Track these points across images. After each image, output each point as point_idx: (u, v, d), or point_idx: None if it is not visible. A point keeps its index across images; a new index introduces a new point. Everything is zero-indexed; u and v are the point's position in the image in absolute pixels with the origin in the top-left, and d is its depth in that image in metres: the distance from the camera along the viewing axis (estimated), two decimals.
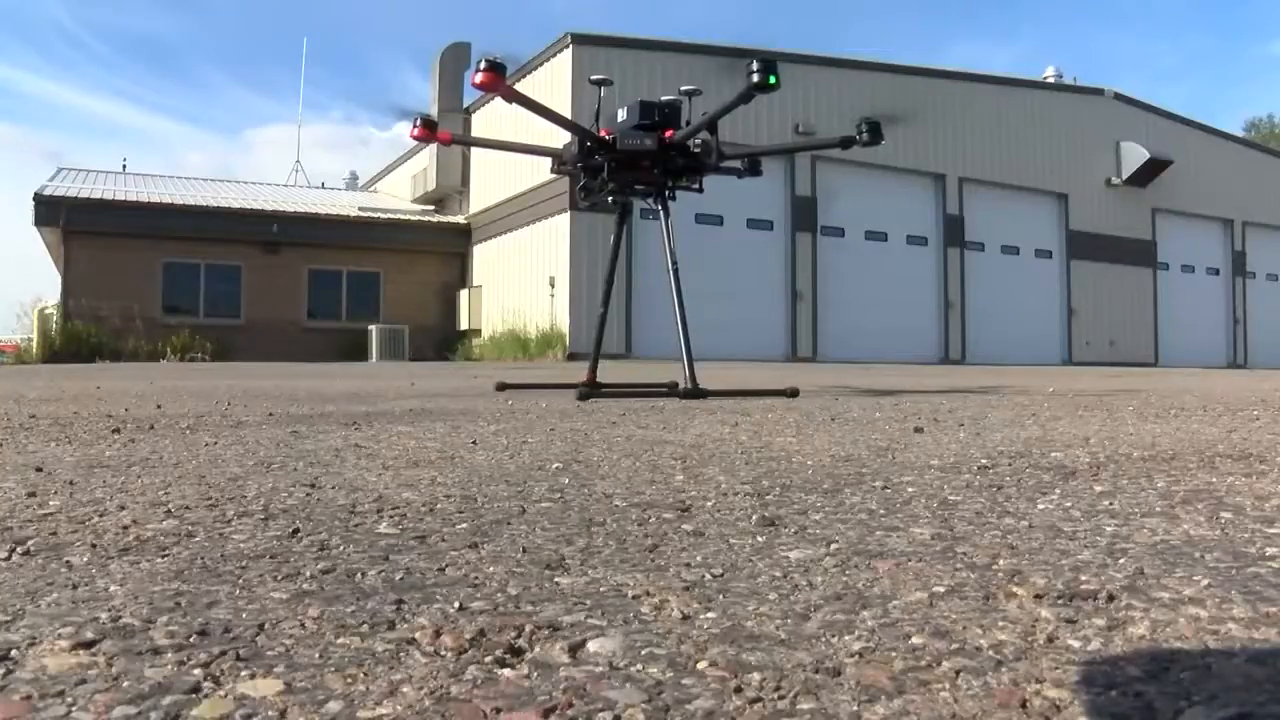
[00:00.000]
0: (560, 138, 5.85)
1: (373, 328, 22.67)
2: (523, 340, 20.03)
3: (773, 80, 4.56)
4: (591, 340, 5.98)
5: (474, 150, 24.81)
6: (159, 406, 4.18)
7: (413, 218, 25.16)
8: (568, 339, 19.19)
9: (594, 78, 5.67)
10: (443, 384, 7.21)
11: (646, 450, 2.32)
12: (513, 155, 21.95)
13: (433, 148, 25.80)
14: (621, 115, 5.52)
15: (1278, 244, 31.60)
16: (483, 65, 4.83)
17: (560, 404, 4.38)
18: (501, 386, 5.99)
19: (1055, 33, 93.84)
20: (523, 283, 21.06)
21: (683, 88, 5.63)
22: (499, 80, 4.87)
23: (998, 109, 25.44)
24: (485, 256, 23.63)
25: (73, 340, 20.13)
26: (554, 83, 20.48)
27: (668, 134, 5.37)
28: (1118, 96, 28.22)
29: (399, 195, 29.25)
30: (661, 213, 5.52)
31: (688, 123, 5.42)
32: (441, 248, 24.65)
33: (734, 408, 4.10)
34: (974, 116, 24.85)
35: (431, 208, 26.71)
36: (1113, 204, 27.43)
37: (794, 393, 5.17)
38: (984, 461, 2.08)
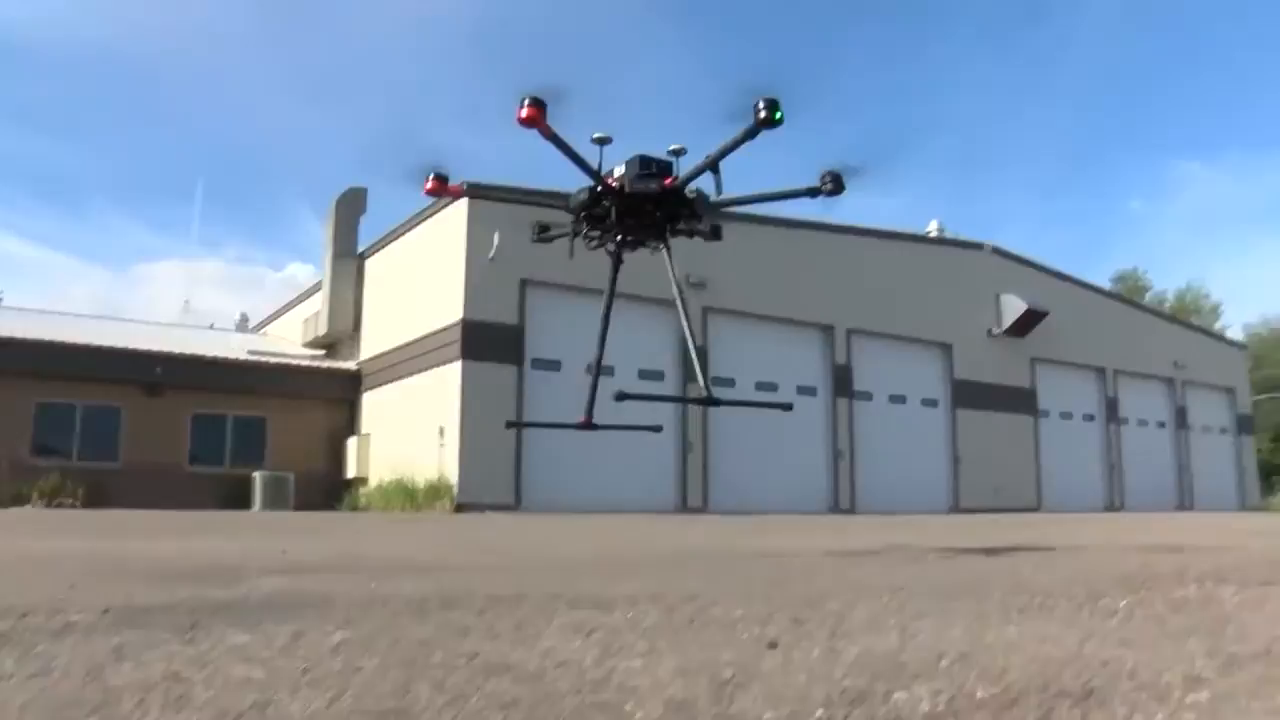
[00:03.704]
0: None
1: (257, 474, 22.04)
2: (410, 490, 19.66)
3: (778, 116, 4.97)
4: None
5: (367, 295, 24.79)
6: None
7: (302, 363, 24.85)
8: (456, 490, 18.88)
9: (595, 135, 5.86)
10: (316, 548, 6.94)
11: (477, 690, 2.20)
12: (406, 301, 22.05)
13: (325, 291, 25.70)
14: (619, 170, 5.86)
15: (1144, 391, 33.17)
16: (527, 101, 5.10)
17: (426, 587, 4.20)
18: (510, 425, 6.50)
19: (938, 184, 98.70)
20: (412, 431, 20.78)
21: (671, 146, 5.98)
22: (541, 116, 5.14)
23: (884, 262, 26.39)
24: (375, 403, 23.36)
25: None
26: (448, 232, 20.65)
27: (667, 181, 5.81)
28: (996, 251, 29.58)
29: (290, 338, 28.91)
30: (665, 251, 6.12)
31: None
32: (331, 394, 24.31)
33: (609, 604, 3.98)
34: (861, 269, 25.73)
35: (322, 352, 26.43)
36: (994, 353, 28.44)
37: (788, 407, 7.08)
38: (820, 714, 2.01)
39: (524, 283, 20.09)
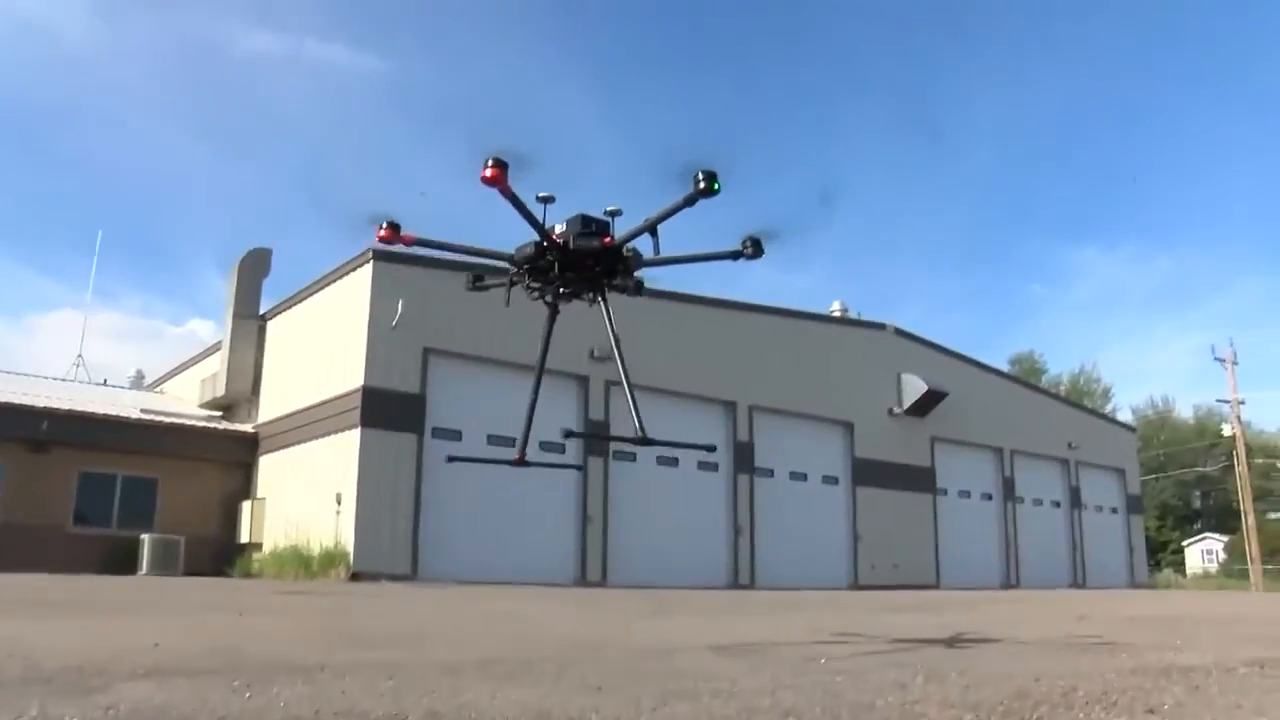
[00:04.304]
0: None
1: (145, 537, 21.24)
2: (305, 557, 19.14)
3: (716, 187, 5.38)
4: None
5: (267, 357, 24.33)
6: None
7: (197, 423, 24.22)
8: (351, 558, 18.45)
9: (540, 195, 6.10)
10: (194, 635, 6.67)
11: None
12: (307, 365, 21.67)
13: (224, 352, 25.17)
14: (559, 228, 6.20)
15: (1040, 471, 34.00)
16: (490, 162, 5.39)
17: (301, 703, 4.08)
18: (451, 459, 6.78)
19: (844, 263, 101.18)
20: (309, 497, 20.30)
21: (608, 207, 6.31)
22: (503, 176, 5.43)
23: (788, 340, 26.71)
24: (272, 468, 22.81)
25: None
26: (351, 297, 20.43)
27: (607, 240, 6.20)
28: (898, 332, 30.20)
29: (187, 398, 28.18)
30: (603, 303, 6.55)
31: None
32: (226, 456, 23.68)
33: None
34: (765, 347, 25.98)
35: (219, 413, 25.78)
36: (895, 433, 28.88)
37: (711, 448, 7.90)
38: None
39: (426, 351, 19.93)
